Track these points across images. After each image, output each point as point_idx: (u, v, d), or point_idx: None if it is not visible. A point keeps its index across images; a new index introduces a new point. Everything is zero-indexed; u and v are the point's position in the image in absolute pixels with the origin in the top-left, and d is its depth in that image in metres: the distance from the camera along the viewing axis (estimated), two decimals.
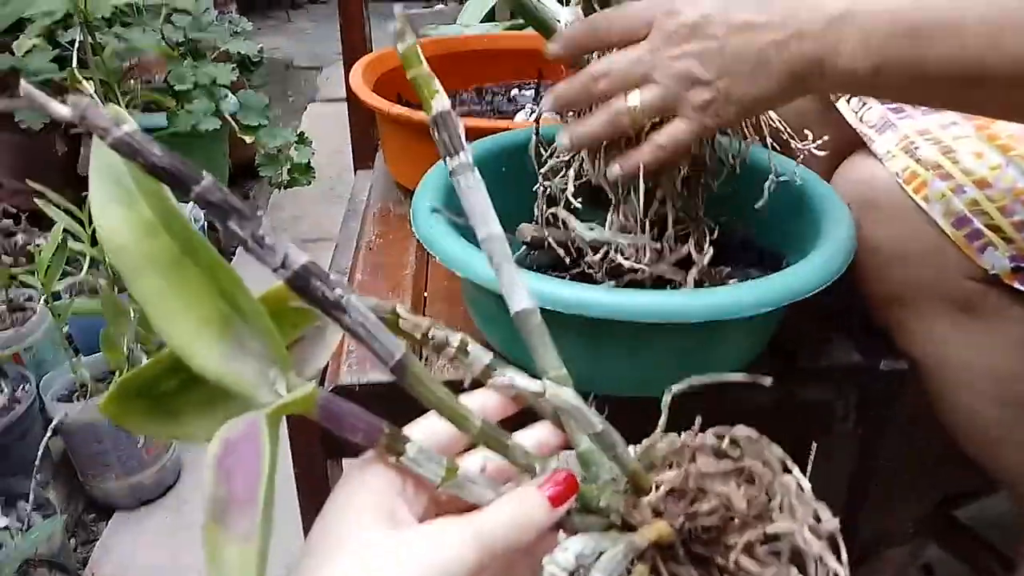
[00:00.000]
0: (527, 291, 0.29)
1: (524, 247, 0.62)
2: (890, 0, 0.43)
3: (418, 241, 0.54)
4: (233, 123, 1.68)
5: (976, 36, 0.41)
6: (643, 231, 0.55)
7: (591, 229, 0.56)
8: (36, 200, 1.21)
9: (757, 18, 0.45)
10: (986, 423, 0.58)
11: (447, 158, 0.30)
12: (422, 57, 0.29)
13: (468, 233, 0.55)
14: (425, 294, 0.69)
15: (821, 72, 0.45)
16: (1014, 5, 0.41)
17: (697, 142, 0.52)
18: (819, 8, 0.44)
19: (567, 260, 0.59)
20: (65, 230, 1.21)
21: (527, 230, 0.61)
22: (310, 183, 1.79)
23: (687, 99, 0.47)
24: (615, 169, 0.51)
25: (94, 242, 1.20)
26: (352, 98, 0.92)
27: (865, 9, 0.43)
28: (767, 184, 0.55)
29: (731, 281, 0.57)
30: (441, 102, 0.29)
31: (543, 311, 0.30)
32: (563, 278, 0.59)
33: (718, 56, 0.45)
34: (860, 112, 0.60)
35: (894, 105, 0.59)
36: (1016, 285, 0.54)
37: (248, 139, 1.68)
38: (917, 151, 0.55)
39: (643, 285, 0.55)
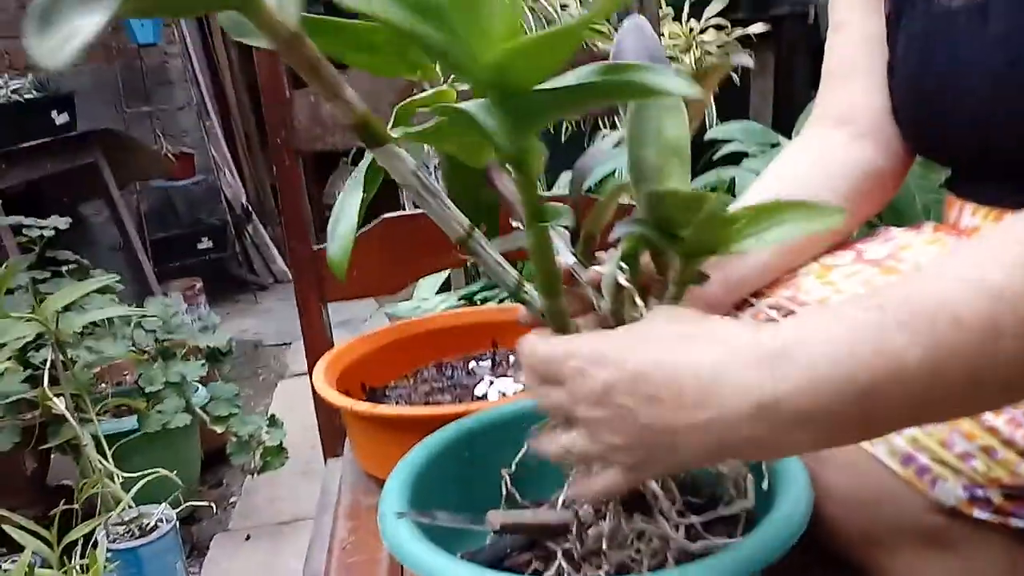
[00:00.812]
0: None
1: (494, 533, 0.63)
2: (815, 367, 0.39)
3: None
4: (204, 415, 1.70)
5: (921, 380, 0.38)
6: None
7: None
8: (3, 523, 1.19)
9: (666, 392, 0.42)
10: None
11: None
12: None
13: (436, 532, 0.56)
14: None
15: (752, 448, 0.42)
16: (945, 330, 0.38)
17: None
18: (745, 392, 0.40)
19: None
20: (34, 553, 1.17)
21: (496, 518, 0.61)
22: (283, 464, 1.78)
23: (612, 458, 0.45)
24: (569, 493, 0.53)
25: (62, 564, 1.17)
26: (316, 394, 0.96)
27: (791, 389, 0.39)
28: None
29: (696, 546, 0.57)
30: None
31: None
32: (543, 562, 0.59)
33: (630, 426, 0.43)
34: None
35: None
36: (976, 514, 0.55)
37: (219, 429, 1.70)
38: None
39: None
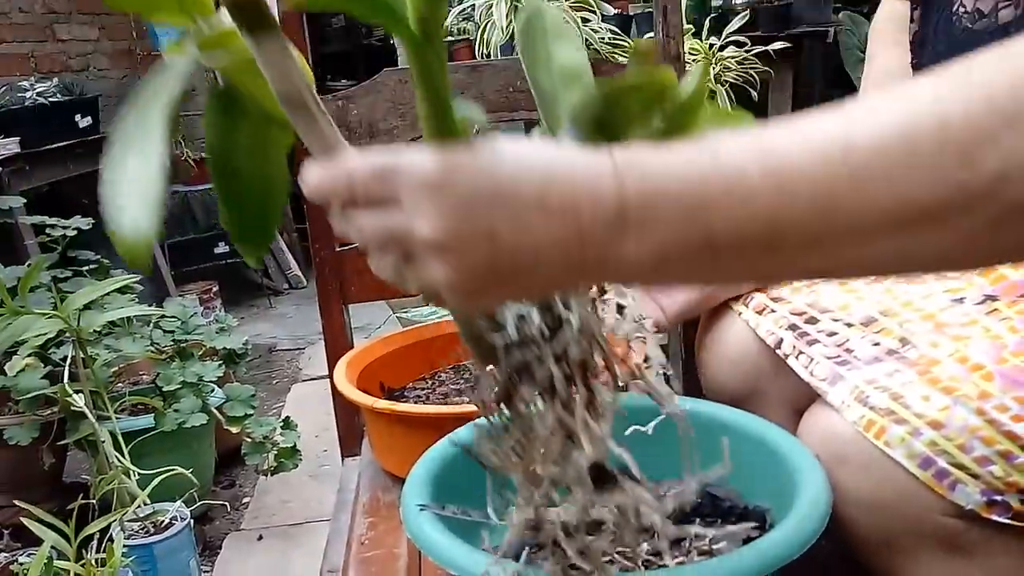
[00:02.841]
0: None
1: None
2: (655, 174, 0.38)
3: None
4: (219, 415, 1.72)
5: (764, 195, 0.36)
6: None
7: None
8: (22, 517, 1.20)
9: (535, 205, 0.38)
10: None
11: None
12: None
13: (456, 526, 0.57)
14: None
15: (605, 269, 0.39)
16: (796, 152, 0.36)
17: None
18: (599, 205, 0.38)
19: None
20: (51, 547, 1.19)
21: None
22: (297, 466, 1.79)
23: (460, 286, 0.39)
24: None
25: (80, 557, 1.18)
26: (336, 392, 0.97)
27: (632, 194, 0.38)
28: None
29: (719, 546, 0.58)
30: None
31: None
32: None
33: (487, 250, 0.38)
34: (809, 367, 0.64)
35: (837, 357, 0.63)
36: (994, 517, 0.56)
37: (235, 430, 1.71)
38: (868, 399, 0.59)
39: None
